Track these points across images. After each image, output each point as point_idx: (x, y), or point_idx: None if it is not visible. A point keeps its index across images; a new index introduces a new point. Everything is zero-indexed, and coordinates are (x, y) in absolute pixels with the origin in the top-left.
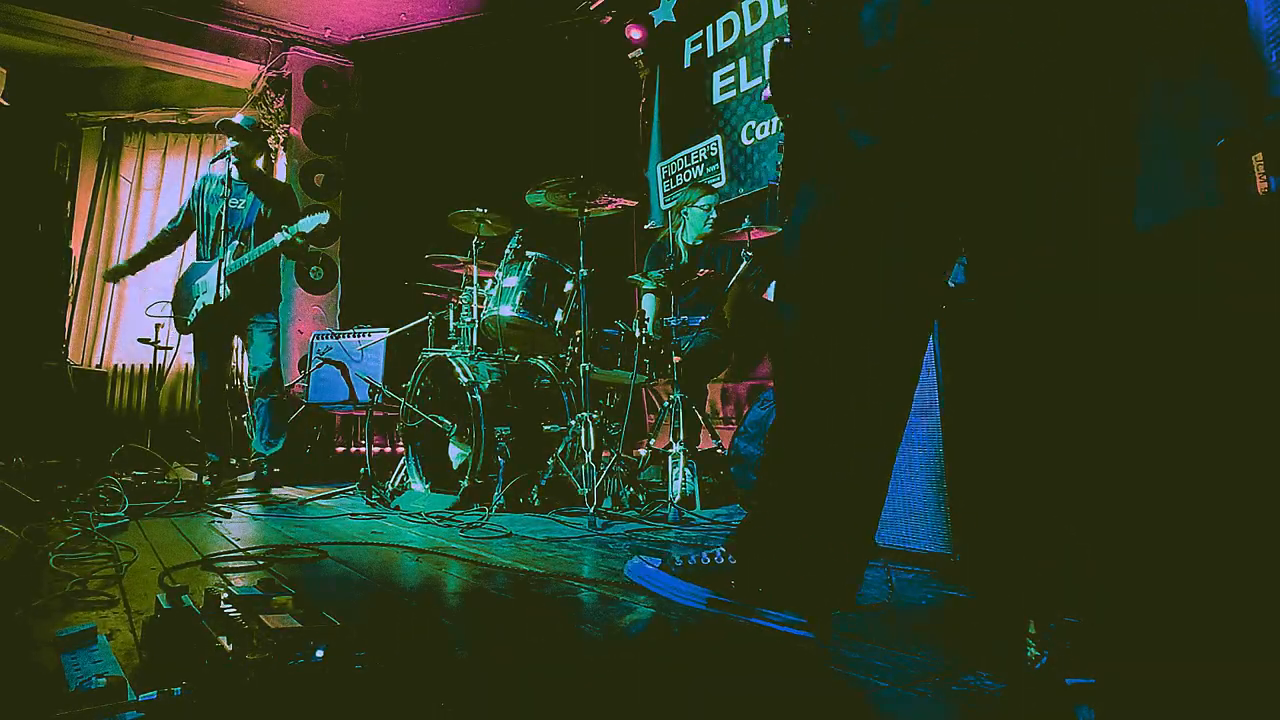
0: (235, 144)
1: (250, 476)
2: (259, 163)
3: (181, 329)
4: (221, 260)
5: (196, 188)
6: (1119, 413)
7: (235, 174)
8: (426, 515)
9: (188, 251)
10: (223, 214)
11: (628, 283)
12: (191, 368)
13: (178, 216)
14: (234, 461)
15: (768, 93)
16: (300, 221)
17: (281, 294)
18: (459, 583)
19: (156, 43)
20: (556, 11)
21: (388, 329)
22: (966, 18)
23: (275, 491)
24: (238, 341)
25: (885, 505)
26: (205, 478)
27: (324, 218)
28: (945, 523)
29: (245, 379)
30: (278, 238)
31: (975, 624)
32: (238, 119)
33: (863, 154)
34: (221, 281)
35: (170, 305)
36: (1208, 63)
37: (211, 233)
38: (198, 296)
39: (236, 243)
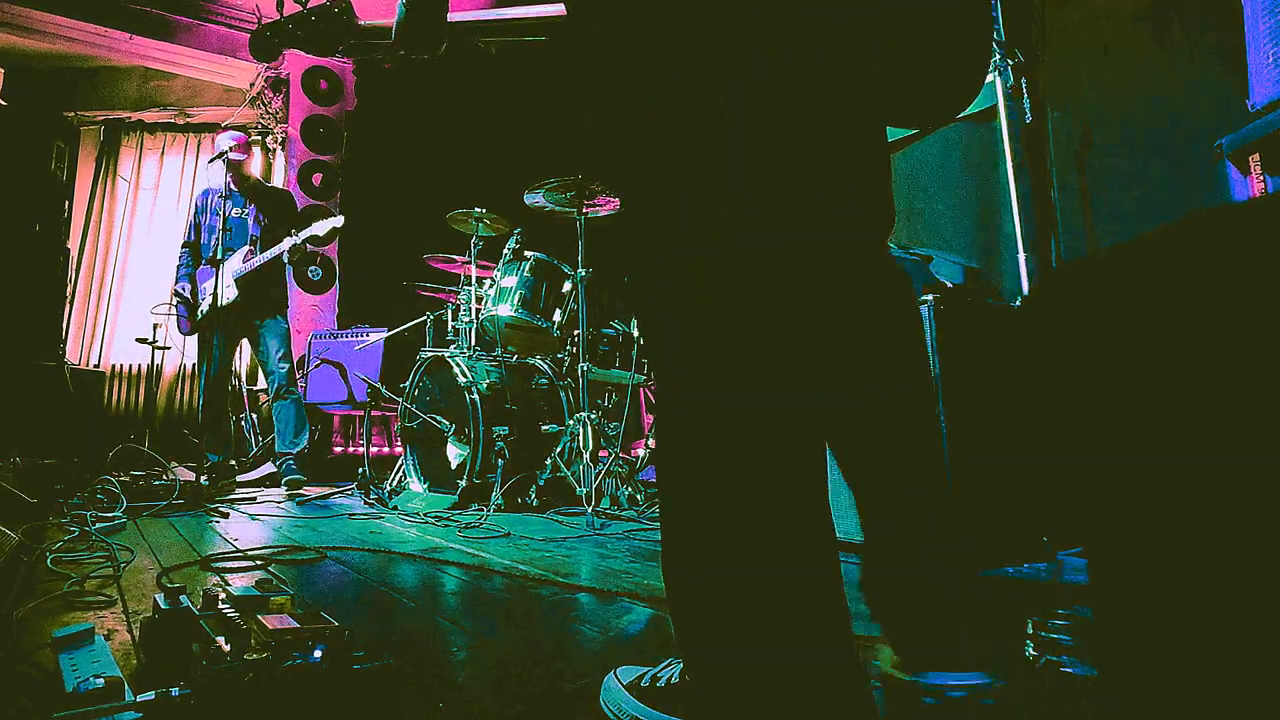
0: (234, 159)
1: (262, 473)
2: (256, 172)
3: (185, 331)
4: (221, 264)
5: (198, 203)
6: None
7: (233, 185)
8: (425, 515)
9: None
10: (224, 223)
11: (625, 283)
12: (189, 368)
13: (188, 233)
14: (233, 463)
15: None
16: (313, 225)
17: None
18: (457, 583)
19: (154, 42)
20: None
21: (386, 329)
22: None
23: (270, 492)
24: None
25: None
26: (204, 478)
27: (338, 221)
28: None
29: (244, 380)
30: (286, 242)
31: (973, 623)
32: (222, 140)
33: None
34: (229, 284)
35: (175, 307)
36: (1205, 63)
37: (214, 242)
38: (203, 300)
39: (246, 248)
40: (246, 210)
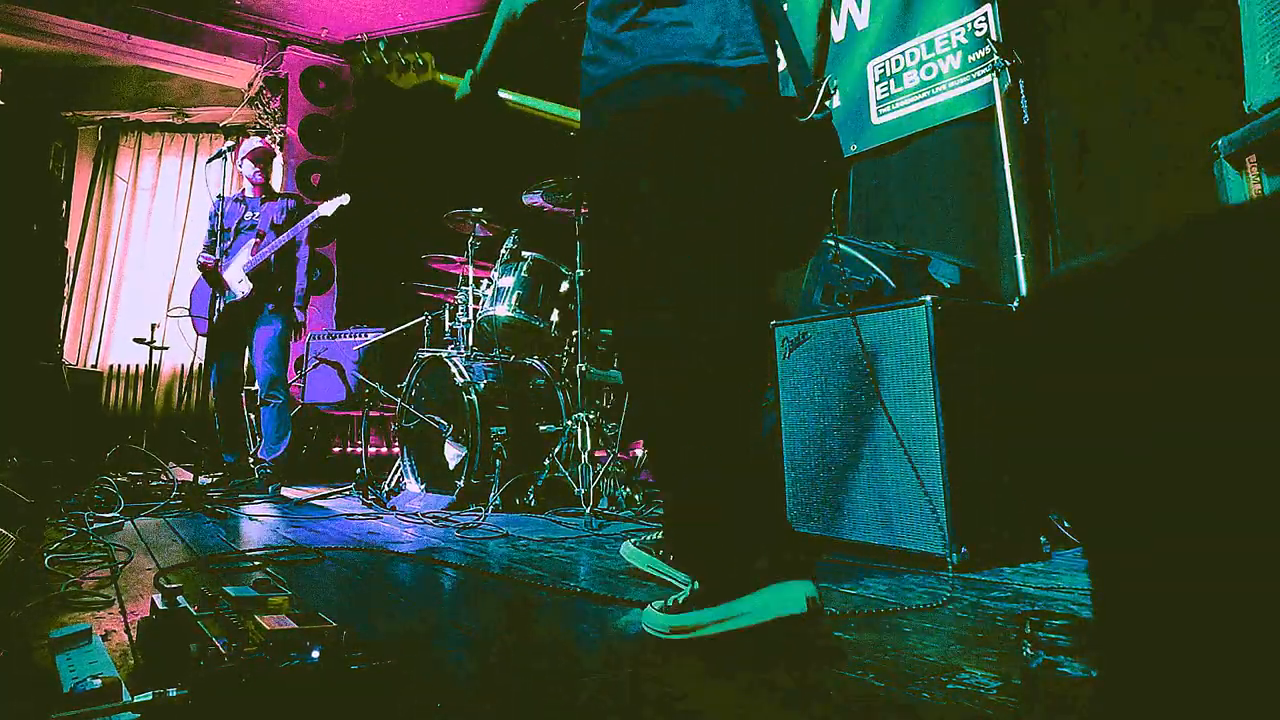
0: (256, 166)
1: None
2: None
3: (202, 332)
4: (220, 266)
5: (214, 210)
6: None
7: (249, 190)
8: (423, 516)
9: (187, 255)
10: (238, 224)
11: None
12: (186, 368)
13: (210, 244)
14: (252, 462)
15: None
16: (321, 206)
17: (297, 296)
18: (455, 583)
19: (153, 42)
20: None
21: (384, 329)
22: None
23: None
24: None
25: (881, 506)
26: (229, 478)
27: (344, 199)
28: (942, 522)
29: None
30: (302, 224)
31: (970, 623)
32: (246, 147)
33: None
34: (241, 279)
35: (188, 309)
36: (1201, 63)
37: (228, 242)
38: (218, 298)
39: (252, 239)
40: (260, 214)
